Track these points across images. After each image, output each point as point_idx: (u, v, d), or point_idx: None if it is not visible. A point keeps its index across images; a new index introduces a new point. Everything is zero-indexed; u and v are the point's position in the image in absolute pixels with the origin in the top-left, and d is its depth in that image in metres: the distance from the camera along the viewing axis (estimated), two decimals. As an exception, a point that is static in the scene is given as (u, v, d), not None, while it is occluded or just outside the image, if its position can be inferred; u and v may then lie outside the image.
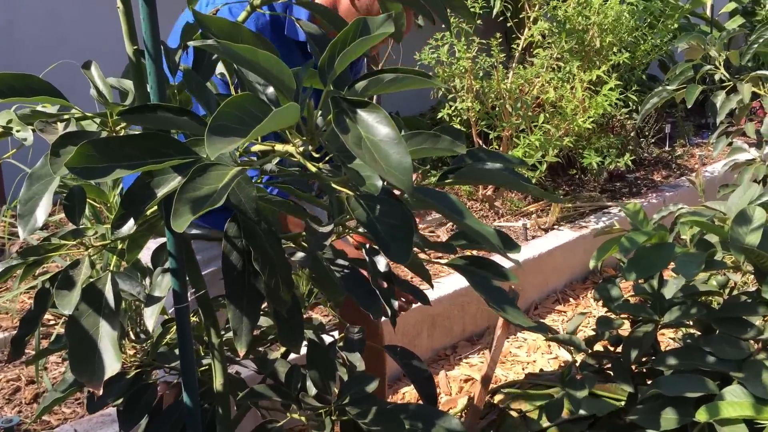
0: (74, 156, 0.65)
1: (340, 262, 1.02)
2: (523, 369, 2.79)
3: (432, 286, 1.56)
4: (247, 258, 0.92)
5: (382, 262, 1.03)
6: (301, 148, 0.79)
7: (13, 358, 0.96)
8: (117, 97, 1.00)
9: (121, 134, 0.80)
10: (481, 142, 3.94)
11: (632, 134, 4.87)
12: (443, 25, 1.05)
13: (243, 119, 0.61)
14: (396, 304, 1.01)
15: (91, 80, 0.87)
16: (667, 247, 1.26)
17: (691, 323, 1.44)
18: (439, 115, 3.89)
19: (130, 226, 0.77)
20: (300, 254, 1.07)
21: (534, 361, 2.84)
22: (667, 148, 5.33)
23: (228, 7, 1.42)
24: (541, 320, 3.27)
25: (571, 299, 3.44)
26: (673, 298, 1.38)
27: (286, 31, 1.50)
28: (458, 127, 3.74)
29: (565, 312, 3.33)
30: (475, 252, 1.25)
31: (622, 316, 1.45)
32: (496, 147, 3.93)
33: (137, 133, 0.72)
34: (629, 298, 1.45)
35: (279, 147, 0.83)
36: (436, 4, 0.97)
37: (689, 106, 2.36)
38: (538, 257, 3.32)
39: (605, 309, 1.44)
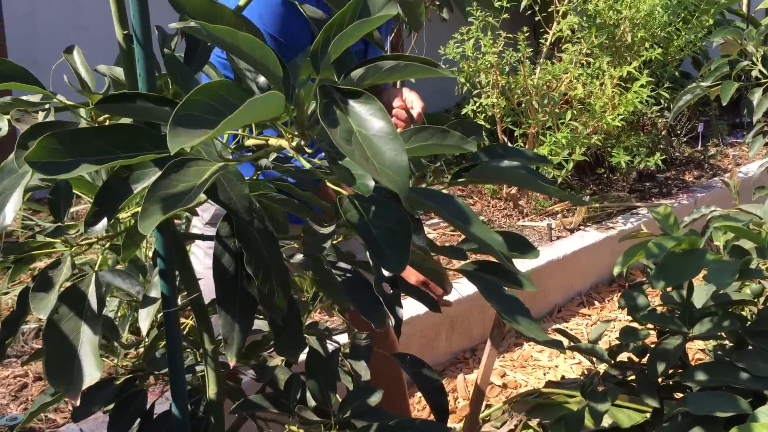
0: (35, 149, 0.59)
1: (342, 265, 0.95)
2: (544, 374, 2.70)
3: (447, 291, 1.49)
4: (240, 261, 0.86)
5: (387, 267, 0.95)
6: (294, 143, 0.72)
7: (-6, 361, 0.90)
8: (112, 87, 0.94)
9: (106, 123, 0.73)
10: (506, 139, 3.84)
11: (663, 133, 4.74)
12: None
13: (216, 109, 0.54)
14: (401, 312, 0.94)
15: (73, 66, 0.81)
16: (698, 253, 1.17)
17: (723, 334, 1.35)
18: (464, 111, 3.80)
19: (103, 225, 0.70)
20: (300, 256, 1.00)
21: (556, 366, 2.75)
22: (699, 148, 5.18)
23: None
24: (565, 323, 3.17)
25: (596, 302, 3.34)
26: (704, 308, 1.29)
27: None
28: (483, 123, 3.65)
29: (589, 315, 3.23)
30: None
31: (649, 326, 1.36)
32: (522, 144, 3.83)
33: (110, 124, 0.65)
34: (657, 307, 1.36)
35: (273, 141, 0.76)
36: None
37: (724, 104, 2.25)
38: (563, 258, 3.22)
39: (631, 318, 1.35)
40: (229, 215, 0.83)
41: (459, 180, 0.99)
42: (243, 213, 0.79)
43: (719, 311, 1.27)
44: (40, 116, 0.80)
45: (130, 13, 0.79)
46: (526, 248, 0.98)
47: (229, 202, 0.78)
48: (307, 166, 0.70)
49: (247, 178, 0.88)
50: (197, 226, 1.60)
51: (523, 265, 3.10)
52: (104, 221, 0.72)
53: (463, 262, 0.95)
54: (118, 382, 1.03)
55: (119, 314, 1.91)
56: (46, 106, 0.81)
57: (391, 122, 0.58)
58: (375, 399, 1.01)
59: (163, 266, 0.88)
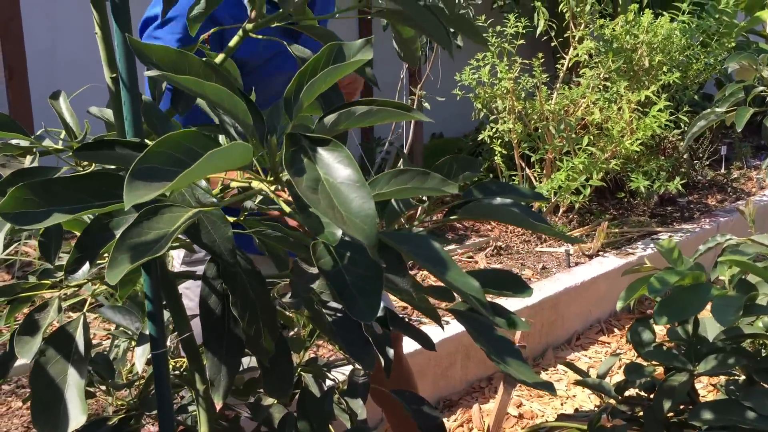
0: (7, 200, 0.59)
1: (333, 304, 0.94)
2: (561, 404, 2.66)
3: (442, 327, 1.47)
4: (226, 302, 0.85)
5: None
6: (273, 186, 0.72)
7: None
8: (104, 129, 0.94)
9: (82, 172, 0.74)
10: (523, 164, 3.82)
11: (685, 156, 4.69)
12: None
13: (179, 160, 0.54)
14: (391, 352, 0.93)
15: (58, 112, 0.81)
16: (703, 288, 1.15)
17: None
18: (480, 137, 3.80)
19: (85, 271, 0.71)
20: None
21: (573, 396, 2.70)
22: (722, 171, 5.12)
23: None
24: (583, 351, 3.12)
25: (615, 330, 3.29)
26: (712, 343, 1.26)
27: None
28: (499, 149, 3.64)
29: (609, 343, 3.18)
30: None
31: (655, 363, 1.33)
32: (539, 170, 3.81)
33: (84, 173, 0.66)
34: (665, 343, 1.33)
35: (255, 184, 0.76)
36: (437, 31, 0.90)
37: (739, 130, 2.22)
38: (581, 285, 3.18)
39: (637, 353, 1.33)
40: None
41: (451, 217, 0.99)
42: (227, 255, 0.79)
43: (727, 347, 1.24)
44: (28, 160, 0.80)
45: (117, 56, 0.80)
46: (518, 287, 0.97)
47: (212, 245, 0.78)
48: (287, 209, 0.69)
49: (233, 219, 0.88)
50: (176, 261, 1.60)
51: (541, 292, 3.07)
52: (85, 267, 0.72)
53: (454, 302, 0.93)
54: (111, 422, 1.02)
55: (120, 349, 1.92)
56: (33, 150, 0.81)
57: (359, 170, 0.58)
58: (369, 440, 0.99)
59: (151, 308, 0.87)
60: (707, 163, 4.98)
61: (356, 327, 0.93)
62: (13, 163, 0.77)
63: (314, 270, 0.88)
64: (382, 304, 0.96)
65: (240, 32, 0.95)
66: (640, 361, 1.36)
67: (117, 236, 0.70)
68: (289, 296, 0.99)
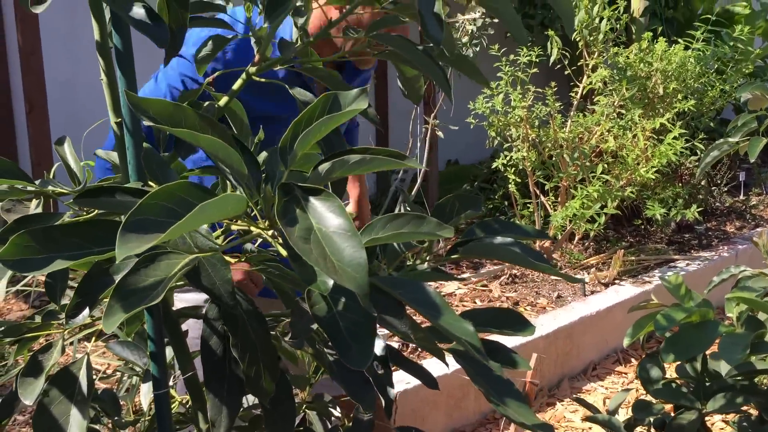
0: (8, 247, 0.61)
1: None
2: (577, 436, 2.63)
3: (447, 364, 1.47)
4: (227, 343, 0.86)
5: (378, 345, 0.95)
6: (270, 232, 0.73)
7: (-10, 441, 0.92)
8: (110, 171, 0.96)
9: (83, 217, 0.75)
10: (538, 192, 3.82)
11: (702, 182, 4.66)
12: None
13: (173, 211, 0.55)
14: (393, 392, 0.93)
15: (62, 158, 0.83)
16: (710, 325, 1.14)
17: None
18: (494, 165, 3.80)
19: (84, 315, 0.72)
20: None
21: (590, 428, 2.67)
22: (741, 197, 5.08)
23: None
24: (600, 381, 3.09)
25: (633, 360, 3.25)
26: (722, 380, 1.25)
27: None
28: (513, 177, 3.65)
29: (626, 374, 3.14)
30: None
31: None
32: (553, 198, 3.80)
33: (84, 220, 0.67)
34: (675, 380, 1.32)
35: (254, 228, 0.77)
36: (435, 74, 0.91)
37: (752, 160, 2.21)
38: (596, 314, 3.16)
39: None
40: (217, 298, 0.84)
41: (453, 256, 0.99)
42: (226, 298, 0.80)
43: (738, 384, 1.22)
44: (33, 204, 0.82)
45: (122, 102, 0.82)
46: (520, 325, 0.96)
47: (212, 287, 0.79)
48: (284, 253, 0.70)
49: (234, 260, 0.89)
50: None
51: (555, 321, 3.05)
52: (85, 312, 0.73)
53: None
54: (115, 460, 1.03)
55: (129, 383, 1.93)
56: (41, 194, 0.83)
57: (350, 220, 0.58)
58: (371, 480, 0.99)
59: (154, 348, 0.88)
60: (725, 189, 4.95)
61: (357, 367, 0.93)
62: (19, 207, 0.79)
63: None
64: (383, 343, 0.97)
65: (243, 75, 0.97)
66: (649, 397, 1.34)
67: (117, 280, 0.71)
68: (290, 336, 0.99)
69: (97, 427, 1.10)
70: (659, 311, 1.17)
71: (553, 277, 3.64)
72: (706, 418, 1.30)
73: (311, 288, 0.59)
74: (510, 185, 3.75)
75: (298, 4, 0.96)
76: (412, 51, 0.92)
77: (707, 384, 1.24)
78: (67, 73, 3.64)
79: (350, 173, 0.66)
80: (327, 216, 0.59)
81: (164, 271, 0.65)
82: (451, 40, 1.01)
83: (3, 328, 0.93)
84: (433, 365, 2.58)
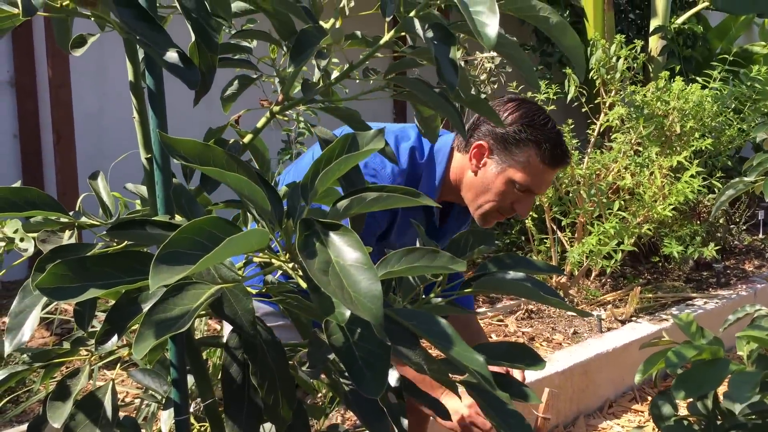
0: (46, 276, 0.65)
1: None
2: (592, 474, 2.61)
3: (460, 397, 1.49)
4: (246, 371, 0.89)
5: (392, 376, 0.98)
6: (290, 264, 0.76)
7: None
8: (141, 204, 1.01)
9: (114, 248, 0.79)
10: (555, 227, 3.84)
11: (721, 221, 4.65)
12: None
13: (202, 244, 0.59)
14: (405, 422, 0.95)
15: (96, 191, 0.88)
16: (721, 363, 1.15)
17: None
18: (511, 200, 3.83)
19: (113, 342, 0.75)
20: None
21: (605, 466, 2.65)
22: (760, 236, 5.06)
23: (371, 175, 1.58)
24: (616, 420, 3.07)
25: (649, 398, 3.23)
26: (734, 418, 1.26)
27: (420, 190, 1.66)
28: (530, 213, 3.67)
29: (642, 412, 3.12)
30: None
31: (675, 436, 1.32)
32: (570, 234, 3.82)
33: (115, 251, 0.71)
34: (688, 418, 1.33)
35: (275, 261, 0.81)
36: (451, 116, 0.95)
37: (767, 200, 2.23)
38: (612, 351, 3.15)
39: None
40: (238, 327, 0.87)
41: (465, 291, 1.02)
42: (247, 327, 0.83)
43: (749, 424, 1.23)
44: (66, 235, 0.86)
45: (153, 139, 0.87)
46: (532, 360, 0.99)
47: (234, 317, 0.82)
48: (304, 285, 0.74)
49: (255, 291, 0.93)
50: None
51: (571, 357, 3.05)
52: (114, 338, 0.77)
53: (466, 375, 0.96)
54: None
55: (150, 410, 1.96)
56: (75, 225, 0.87)
57: (367, 253, 0.62)
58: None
59: (176, 375, 0.92)
60: (744, 228, 4.93)
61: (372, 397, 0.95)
62: (53, 238, 0.83)
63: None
64: (397, 374, 0.99)
65: (267, 114, 1.02)
66: (662, 434, 1.35)
67: (144, 311, 0.75)
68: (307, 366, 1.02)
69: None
70: (670, 348, 1.19)
71: (569, 314, 3.64)
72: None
73: (329, 318, 0.63)
74: (527, 221, 3.77)
75: (322, 47, 1.01)
76: (428, 93, 0.96)
77: (719, 423, 1.25)
78: (95, 106, 3.74)
79: (367, 210, 0.69)
80: (345, 250, 0.62)
81: (191, 301, 0.68)
82: (466, 82, 1.05)
83: (31, 353, 0.97)
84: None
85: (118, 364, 0.96)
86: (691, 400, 1.36)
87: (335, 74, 1.01)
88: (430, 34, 0.82)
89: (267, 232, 0.61)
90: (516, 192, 1.63)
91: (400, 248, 0.73)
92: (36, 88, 3.48)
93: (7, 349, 0.75)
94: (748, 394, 1.06)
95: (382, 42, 0.93)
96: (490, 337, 3.34)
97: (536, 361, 1.00)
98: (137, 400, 2.32)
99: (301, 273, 0.76)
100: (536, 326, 3.47)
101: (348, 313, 0.63)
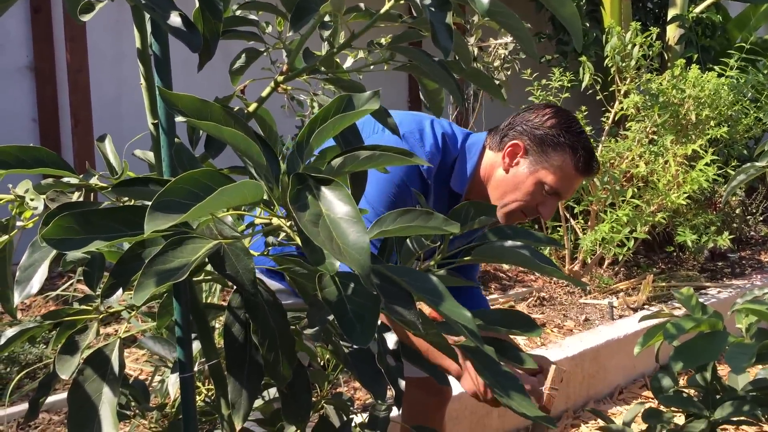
0: (52, 228, 0.67)
1: (350, 338, 1.00)
2: (600, 458, 2.62)
3: (460, 366, 1.51)
4: (248, 330, 0.92)
5: (391, 339, 1.00)
6: (289, 222, 0.79)
7: (28, 419, 0.99)
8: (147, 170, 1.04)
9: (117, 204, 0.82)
10: (568, 215, 3.84)
11: (737, 211, 4.63)
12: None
13: (196, 195, 0.62)
14: (402, 384, 0.98)
15: (103, 153, 0.91)
16: (719, 336, 1.16)
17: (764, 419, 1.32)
18: (525, 187, 3.83)
19: (118, 296, 0.78)
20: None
21: (613, 450, 2.66)
22: (777, 227, 5.02)
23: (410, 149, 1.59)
24: (626, 405, 3.08)
25: (660, 385, 3.23)
26: (732, 391, 1.27)
27: (451, 182, 1.70)
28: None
29: (653, 399, 3.12)
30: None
31: (674, 409, 1.34)
32: (583, 222, 3.82)
33: (118, 205, 0.74)
34: (685, 390, 1.34)
35: (275, 221, 0.83)
36: (448, 84, 0.97)
37: (778, 184, 2.22)
38: (623, 338, 3.16)
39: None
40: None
41: (465, 258, 1.04)
42: (248, 286, 0.86)
43: (748, 396, 1.25)
44: (75, 196, 0.89)
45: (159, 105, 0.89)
46: (528, 326, 1.01)
47: (235, 275, 0.85)
48: (299, 241, 0.76)
49: (257, 253, 0.95)
50: None
51: (582, 343, 3.06)
52: (119, 292, 0.80)
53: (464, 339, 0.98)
54: (142, 443, 1.09)
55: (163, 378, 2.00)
56: (83, 186, 0.91)
57: (356, 207, 0.64)
58: (383, 470, 1.04)
59: (180, 334, 0.95)
60: (761, 218, 4.90)
61: (370, 359, 0.98)
62: (62, 198, 0.86)
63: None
64: (395, 338, 1.02)
65: (272, 84, 1.04)
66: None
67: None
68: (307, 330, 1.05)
69: (127, 412, 1.16)
70: (669, 321, 1.21)
71: (581, 301, 3.64)
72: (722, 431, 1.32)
73: (320, 269, 0.65)
74: (540, 208, 3.78)
75: (327, 19, 1.03)
76: (429, 63, 0.98)
77: (718, 397, 1.27)
78: (112, 92, 3.79)
79: (360, 168, 0.72)
80: (335, 203, 0.65)
81: (190, 254, 0.71)
82: (467, 54, 1.07)
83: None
84: (458, 382, 2.61)
85: (125, 324, 0.99)
86: (690, 374, 1.37)
87: (349, 59, 1.03)
88: (427, 1, 0.84)
89: (261, 185, 0.64)
90: (543, 194, 1.65)
91: None
92: (55, 74, 3.53)
93: (17, 299, 0.78)
94: (744, 364, 1.07)
95: (382, 11, 0.95)
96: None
97: (531, 327, 1.02)
98: (150, 370, 2.36)
99: (296, 229, 0.79)
100: (548, 313, 3.48)
101: (337, 264, 0.65)
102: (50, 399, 2.29)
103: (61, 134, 3.56)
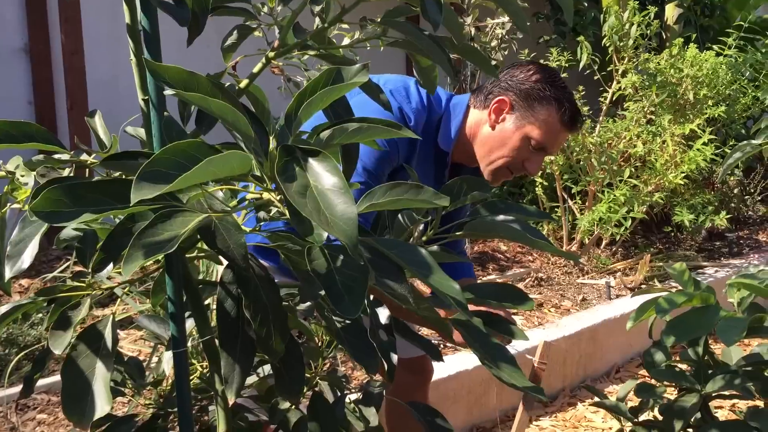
0: (40, 200, 0.67)
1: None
2: (596, 435, 2.64)
3: (453, 341, 1.52)
4: (240, 305, 0.92)
5: (383, 313, 1.00)
6: (278, 196, 0.79)
7: (23, 395, 0.99)
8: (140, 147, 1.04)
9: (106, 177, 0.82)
10: (565, 196, 3.84)
11: (735, 191, 4.63)
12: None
13: (182, 165, 0.62)
14: (395, 358, 0.98)
15: (93, 129, 0.91)
16: (711, 310, 1.17)
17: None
18: (522, 168, 3.83)
19: (108, 270, 0.79)
20: (308, 303, 1.06)
21: (609, 429, 2.68)
22: (775, 206, 5.02)
23: (398, 105, 1.62)
24: (623, 384, 3.09)
25: (657, 363, 3.25)
26: (723, 366, 1.28)
27: (438, 139, 1.70)
28: (540, 180, 3.67)
29: (649, 378, 3.14)
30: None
31: (666, 383, 1.35)
32: (580, 202, 3.82)
33: (107, 178, 0.74)
34: (677, 365, 1.35)
35: (266, 195, 0.83)
36: (440, 58, 0.96)
37: (774, 162, 2.22)
38: (620, 317, 3.17)
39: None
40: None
41: (457, 233, 1.04)
42: (239, 260, 0.86)
43: (739, 370, 1.25)
44: (65, 172, 0.89)
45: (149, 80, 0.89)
46: (520, 299, 1.01)
47: (226, 250, 0.85)
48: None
49: (249, 229, 0.95)
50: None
51: (579, 322, 3.07)
52: (110, 266, 0.80)
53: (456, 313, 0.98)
54: (138, 418, 1.10)
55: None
56: (73, 162, 0.91)
57: (344, 179, 0.64)
58: (375, 443, 1.04)
59: (173, 309, 0.95)
60: (759, 198, 4.90)
61: (362, 334, 0.98)
62: (53, 174, 0.86)
63: (324, 279, 0.94)
64: (388, 313, 1.02)
65: (263, 60, 1.04)
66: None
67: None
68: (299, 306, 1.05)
69: (123, 389, 1.17)
70: (662, 295, 1.21)
71: (578, 281, 3.65)
72: (714, 407, 1.33)
73: (308, 240, 0.65)
74: (537, 188, 3.78)
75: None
76: (421, 38, 0.98)
77: (710, 372, 1.27)
78: (108, 74, 3.77)
79: (349, 141, 0.72)
80: (323, 175, 0.65)
81: (179, 227, 0.71)
82: (459, 29, 1.06)
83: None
84: (455, 362, 2.63)
85: (119, 299, 0.99)
86: (682, 350, 1.38)
87: (346, 40, 1.03)
88: (416, -27, 0.84)
89: (248, 156, 0.64)
90: (530, 150, 1.65)
91: None
92: (50, 56, 3.52)
93: (8, 274, 0.78)
94: (736, 337, 1.08)
95: (373, -15, 0.95)
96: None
97: (523, 300, 1.03)
98: (148, 349, 2.37)
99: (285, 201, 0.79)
100: (545, 293, 3.49)
101: (325, 234, 0.66)
102: (48, 380, 2.31)
103: (56, 116, 3.55)
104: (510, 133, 1.64)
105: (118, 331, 2.40)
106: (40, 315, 2.68)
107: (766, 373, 1.36)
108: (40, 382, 2.27)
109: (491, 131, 1.66)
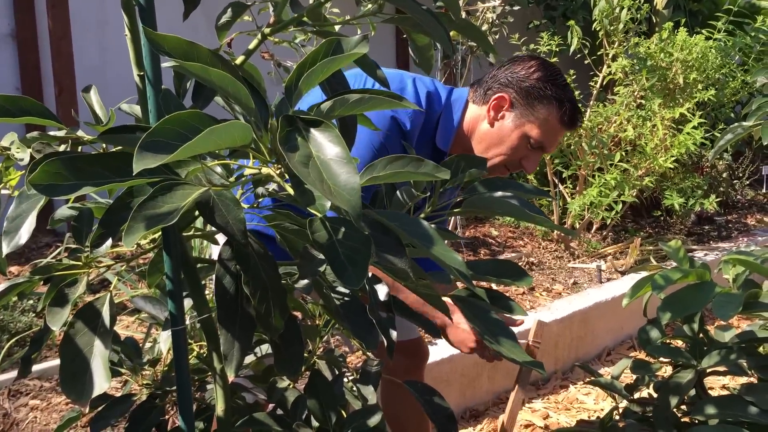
0: (38, 173, 0.67)
1: (341, 289, 1.00)
2: (588, 417, 2.66)
3: (451, 320, 1.52)
4: (239, 282, 0.92)
5: (382, 291, 1.00)
6: (278, 171, 0.78)
7: (20, 376, 0.99)
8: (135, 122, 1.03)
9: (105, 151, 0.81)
10: (556, 180, 3.85)
11: (724, 175, 4.65)
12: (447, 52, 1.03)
13: (184, 135, 0.61)
14: (394, 335, 0.98)
15: (89, 104, 0.90)
16: (706, 286, 1.17)
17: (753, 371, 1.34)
18: (513, 153, 3.83)
19: (107, 246, 0.78)
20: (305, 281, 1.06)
21: (601, 410, 2.70)
22: (763, 191, 5.05)
23: (391, 113, 1.59)
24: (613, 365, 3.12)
25: (647, 346, 3.27)
26: (718, 342, 1.29)
27: (436, 139, 1.67)
28: (531, 165, 3.67)
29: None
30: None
31: (662, 360, 1.36)
32: (571, 187, 3.83)
33: (107, 152, 0.73)
34: (672, 341, 1.36)
35: (264, 170, 0.83)
36: (437, 32, 0.96)
37: (765, 143, 2.23)
38: (611, 301, 3.19)
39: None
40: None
41: (455, 210, 1.04)
42: (238, 236, 0.85)
43: (734, 347, 1.26)
44: (61, 148, 0.89)
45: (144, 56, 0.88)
46: (518, 275, 1.01)
47: (225, 225, 0.84)
48: (291, 191, 0.76)
49: (248, 205, 0.95)
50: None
51: (570, 305, 3.08)
52: (108, 242, 0.79)
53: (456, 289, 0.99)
54: (135, 398, 1.10)
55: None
56: (68, 138, 0.90)
57: (347, 149, 0.64)
58: (375, 420, 1.04)
59: (171, 287, 0.94)
60: (747, 182, 4.93)
61: (361, 310, 0.98)
62: (48, 150, 0.85)
63: (322, 255, 0.94)
64: (386, 289, 1.02)
65: (259, 36, 1.03)
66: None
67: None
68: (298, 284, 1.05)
69: (120, 369, 1.17)
70: (657, 272, 1.21)
71: (569, 265, 3.67)
72: (709, 385, 1.34)
73: (311, 210, 0.65)
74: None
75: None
76: (418, 11, 0.97)
77: (705, 348, 1.28)
78: (96, 59, 3.74)
79: (350, 112, 0.71)
80: (325, 145, 0.64)
81: (179, 200, 0.71)
82: (456, 6, 1.06)
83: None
84: (448, 345, 2.63)
85: (116, 278, 0.99)
86: (677, 326, 1.39)
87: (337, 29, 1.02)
88: (414, -55, 0.83)
89: (249, 126, 0.63)
90: (528, 148, 1.64)
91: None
92: (37, 41, 3.48)
93: (5, 250, 0.78)
94: (731, 312, 1.08)
95: (369, -41, 0.94)
96: (491, 287, 3.38)
97: (521, 276, 1.03)
98: (145, 339, 2.36)
99: (287, 175, 0.79)
100: (537, 277, 3.50)
101: (328, 204, 0.65)
102: (41, 366, 2.30)
103: (44, 102, 3.52)
104: (509, 131, 1.62)
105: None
106: (31, 302, 2.67)
107: (760, 350, 1.37)
108: (33, 367, 2.26)
109: (489, 128, 1.64)
